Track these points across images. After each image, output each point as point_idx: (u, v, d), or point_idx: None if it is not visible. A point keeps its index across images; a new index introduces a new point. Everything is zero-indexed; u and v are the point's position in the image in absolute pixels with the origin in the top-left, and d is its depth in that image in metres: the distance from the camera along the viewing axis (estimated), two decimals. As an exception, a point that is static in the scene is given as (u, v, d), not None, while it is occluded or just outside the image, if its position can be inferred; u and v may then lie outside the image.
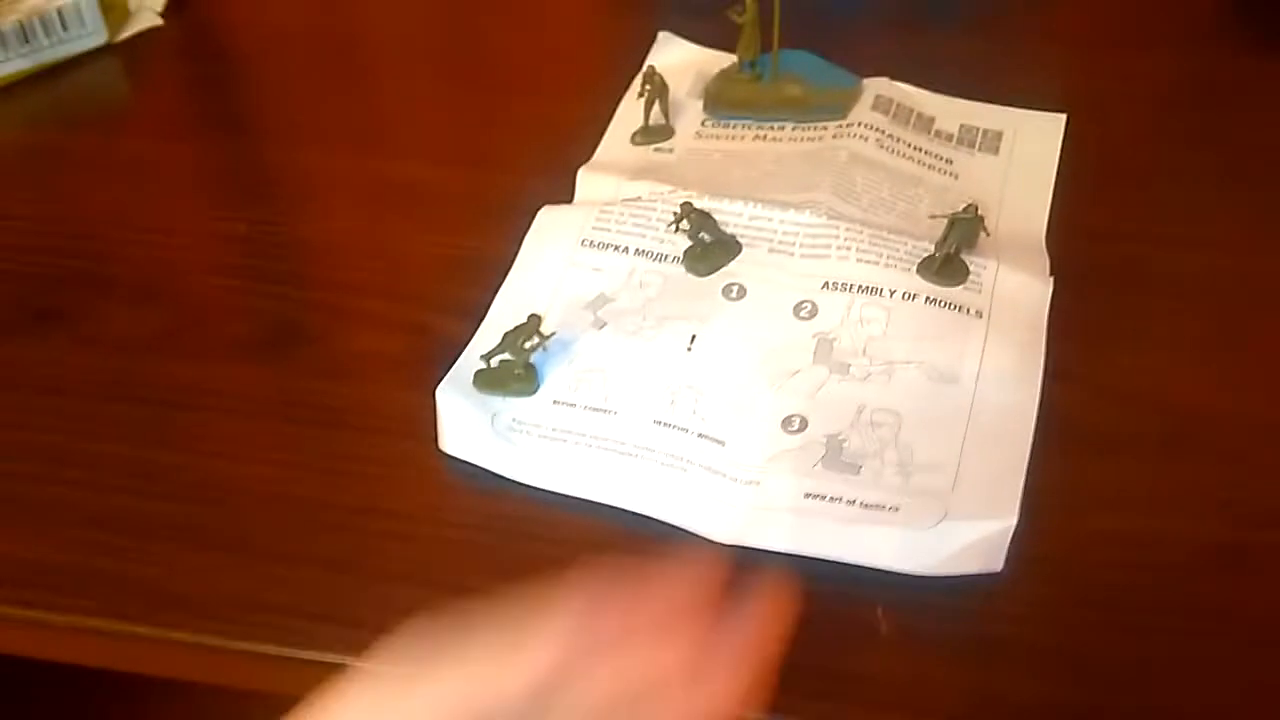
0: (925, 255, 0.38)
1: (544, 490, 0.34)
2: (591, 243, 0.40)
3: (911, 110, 0.47)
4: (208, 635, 0.31)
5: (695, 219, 0.38)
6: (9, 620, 0.32)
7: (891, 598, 0.31)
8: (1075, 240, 0.41)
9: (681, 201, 0.39)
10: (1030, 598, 0.31)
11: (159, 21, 0.55)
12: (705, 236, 0.39)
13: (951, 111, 0.47)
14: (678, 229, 0.39)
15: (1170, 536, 0.32)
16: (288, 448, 0.36)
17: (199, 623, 0.31)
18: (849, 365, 0.36)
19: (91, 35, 0.53)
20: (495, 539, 0.33)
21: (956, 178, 0.44)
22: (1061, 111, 0.46)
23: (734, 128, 0.46)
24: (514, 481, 0.34)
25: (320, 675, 0.30)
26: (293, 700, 0.26)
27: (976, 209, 0.37)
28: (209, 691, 0.39)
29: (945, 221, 0.37)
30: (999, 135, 0.46)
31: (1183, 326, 0.38)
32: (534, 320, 0.36)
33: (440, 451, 0.35)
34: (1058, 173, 0.44)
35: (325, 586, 0.32)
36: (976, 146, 0.45)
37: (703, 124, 0.47)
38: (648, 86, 0.45)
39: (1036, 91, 0.47)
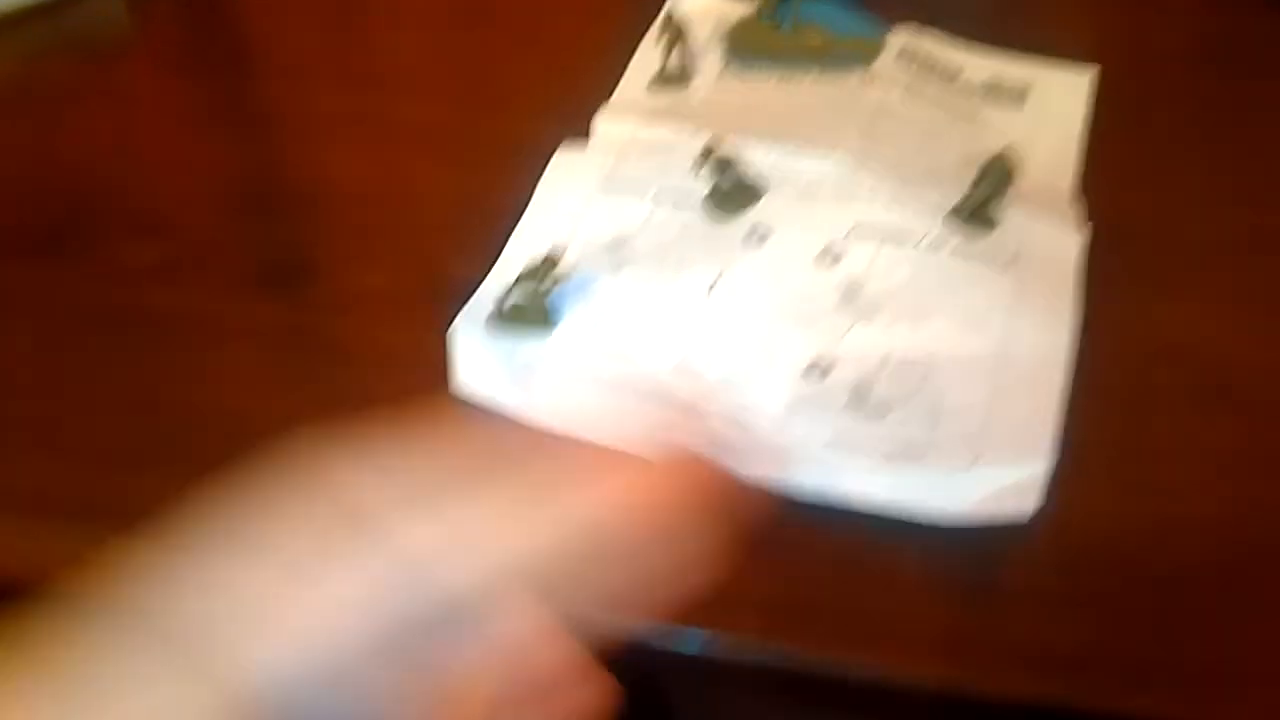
0: (954, 203, 0.37)
1: (561, 431, 0.33)
2: (610, 185, 0.39)
3: (937, 61, 0.45)
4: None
5: (719, 160, 0.37)
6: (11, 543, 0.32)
7: (916, 543, 0.30)
8: (1103, 193, 0.40)
9: (704, 143, 0.38)
10: (1057, 546, 0.30)
11: (164, -43, 0.53)
12: (728, 180, 0.38)
13: (978, 63, 0.46)
14: (700, 170, 0.38)
15: (1201, 489, 0.32)
16: (298, 383, 0.35)
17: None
18: (874, 312, 0.35)
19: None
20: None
21: (983, 129, 0.43)
22: (1091, 64, 0.45)
23: (754, 75, 0.45)
24: (530, 422, 0.33)
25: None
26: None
27: (1009, 154, 0.36)
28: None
29: (976, 169, 0.36)
30: (1026, 88, 0.45)
31: (1211, 281, 0.37)
32: (551, 260, 0.35)
33: (454, 391, 0.34)
34: (1085, 126, 0.43)
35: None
36: (1003, 99, 0.44)
37: (723, 71, 0.45)
38: (667, 31, 0.44)
39: (1063, 45, 0.46)
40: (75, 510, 0.32)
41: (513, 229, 0.39)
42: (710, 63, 0.46)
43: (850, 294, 0.35)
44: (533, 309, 0.35)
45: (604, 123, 0.43)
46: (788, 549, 0.30)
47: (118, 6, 0.52)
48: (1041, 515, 0.30)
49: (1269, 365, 0.34)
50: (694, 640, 0.29)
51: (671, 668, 0.30)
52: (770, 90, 0.44)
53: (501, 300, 0.35)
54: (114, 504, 0.32)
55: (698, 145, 0.39)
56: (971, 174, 0.37)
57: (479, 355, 0.34)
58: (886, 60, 0.45)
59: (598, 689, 0.23)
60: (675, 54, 0.45)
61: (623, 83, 0.45)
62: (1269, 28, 0.48)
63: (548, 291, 0.35)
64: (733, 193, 0.38)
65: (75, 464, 0.33)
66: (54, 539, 0.31)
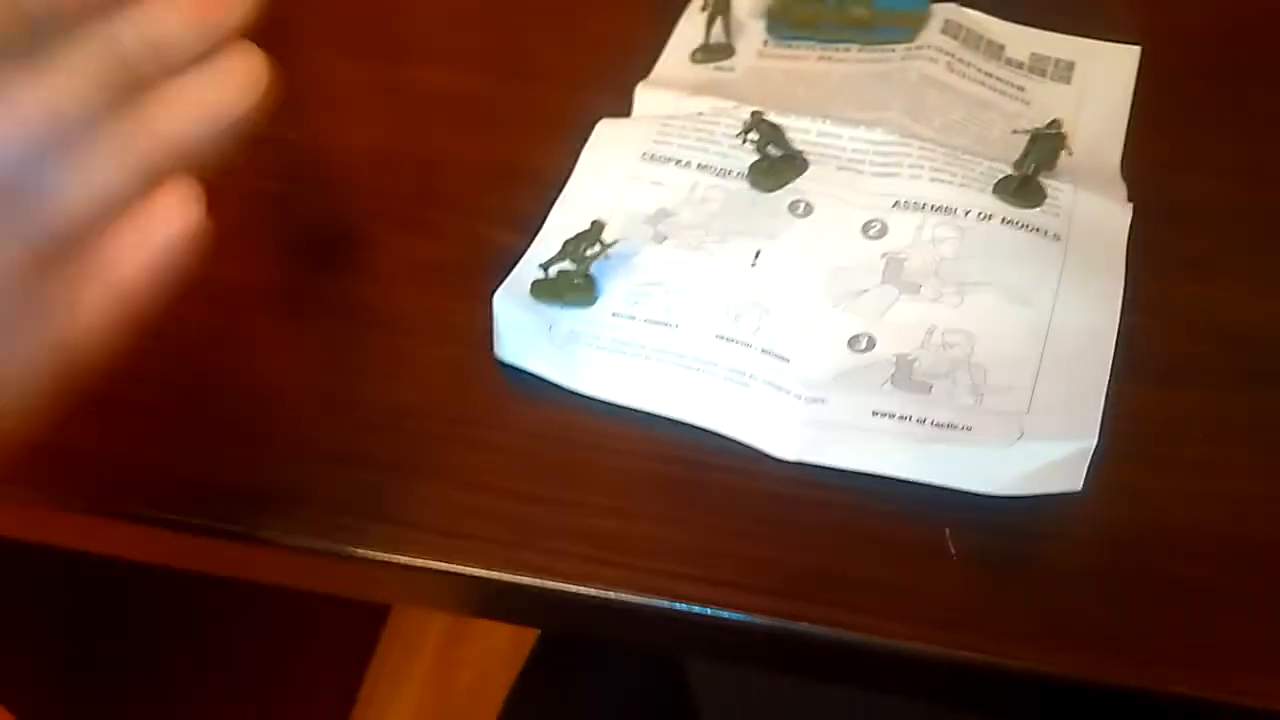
0: (1001, 176, 0.37)
1: (602, 401, 0.33)
2: (652, 156, 0.39)
3: (981, 36, 0.45)
4: (262, 529, 0.31)
5: (764, 130, 0.37)
6: (56, 511, 0.32)
7: (960, 519, 0.30)
8: (1150, 172, 0.40)
9: (751, 112, 0.38)
10: (1102, 523, 0.30)
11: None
12: (773, 150, 0.38)
13: (1021, 39, 0.45)
14: (745, 139, 0.37)
15: (1247, 468, 0.31)
16: (340, 350, 0.35)
17: (250, 517, 0.31)
18: (920, 285, 0.35)
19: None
20: (550, 447, 0.33)
21: (1029, 104, 0.42)
22: (1135, 44, 0.45)
23: (797, 48, 0.45)
24: (571, 392, 0.33)
25: (370, 573, 0.30)
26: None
27: (1060, 125, 0.36)
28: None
29: (1024, 141, 0.36)
30: (1071, 65, 0.44)
31: (1259, 260, 0.37)
32: (596, 227, 0.35)
33: (495, 359, 0.34)
34: (1131, 105, 0.42)
35: (378, 486, 0.32)
36: (1048, 75, 0.44)
37: (765, 44, 0.45)
38: (709, 3, 0.44)
39: (1108, 23, 0.46)
40: (118, 478, 0.32)
41: (555, 199, 0.39)
42: (752, 35, 0.46)
43: (895, 266, 0.35)
44: (576, 279, 0.35)
45: (646, 94, 0.42)
46: (826, 523, 0.30)
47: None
48: (1082, 491, 0.30)
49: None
50: (728, 613, 0.29)
51: (699, 641, 0.31)
52: (813, 63, 0.44)
53: (544, 269, 0.35)
54: (162, 467, 0.32)
55: (742, 117, 0.39)
56: (1019, 146, 0.37)
57: (521, 323, 0.34)
58: (930, 33, 0.44)
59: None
60: (718, 26, 0.44)
61: (664, 55, 0.45)
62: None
63: (591, 261, 0.35)
64: (777, 164, 0.38)
65: (122, 426, 0.34)
66: (98, 501, 0.32)
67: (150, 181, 0.24)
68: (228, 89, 0.26)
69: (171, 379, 0.35)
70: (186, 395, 0.34)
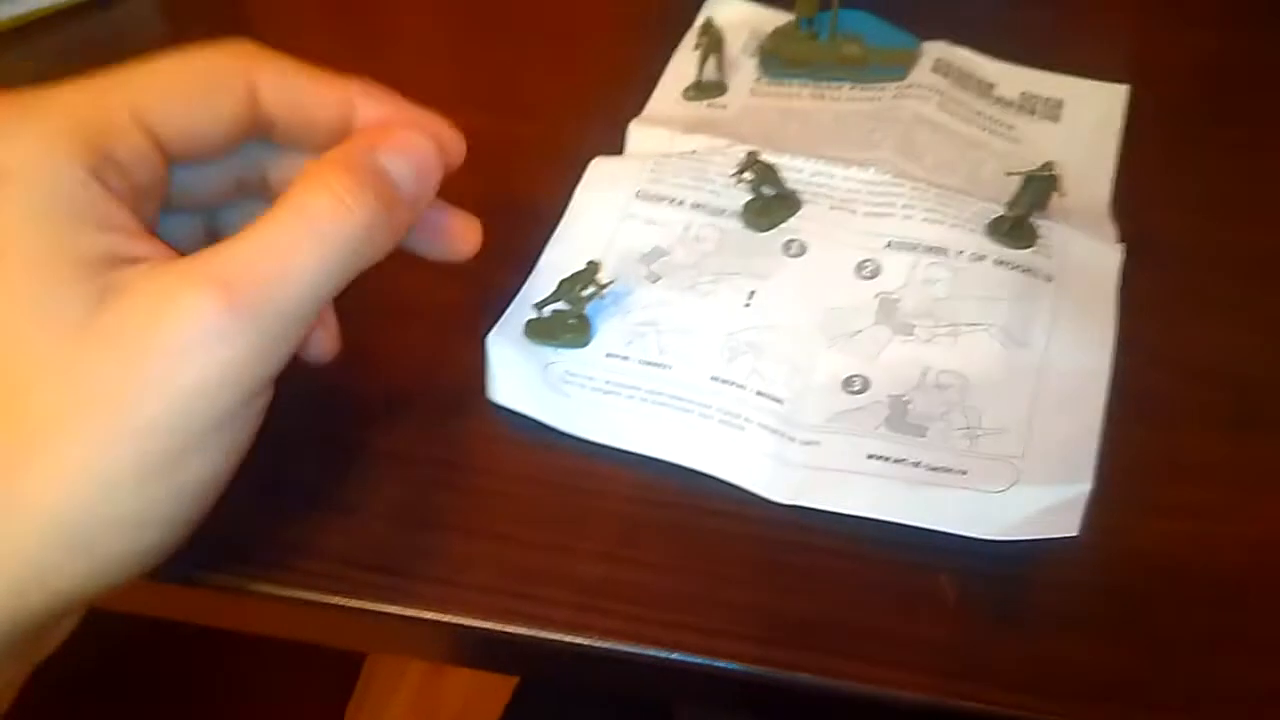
0: (994, 216, 0.37)
1: (596, 444, 0.33)
2: (646, 195, 0.39)
3: (971, 75, 0.45)
4: (254, 581, 0.30)
5: (759, 170, 0.37)
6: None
7: (956, 564, 0.30)
8: (1139, 211, 0.40)
9: (746, 152, 0.38)
10: (1096, 568, 0.30)
11: (198, -40, 0.54)
12: (767, 190, 0.38)
13: (1011, 78, 0.46)
14: (740, 179, 0.38)
15: (1241, 512, 0.31)
16: (330, 391, 0.35)
17: (246, 568, 0.31)
18: (913, 326, 0.35)
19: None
20: (545, 491, 0.32)
21: (1019, 143, 0.42)
22: (1122, 83, 0.45)
23: (790, 86, 0.45)
24: (565, 434, 0.33)
25: (367, 626, 0.30)
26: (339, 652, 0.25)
27: (1053, 167, 0.36)
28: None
29: (1016, 182, 0.36)
30: (1060, 103, 0.45)
31: (1250, 301, 0.37)
32: (592, 267, 0.34)
33: (489, 401, 0.34)
34: (1120, 143, 0.43)
35: (371, 534, 0.31)
36: (1037, 114, 0.44)
37: (757, 81, 0.45)
38: (703, 39, 0.44)
39: (1096, 62, 0.46)
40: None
41: (549, 236, 0.39)
42: (745, 72, 0.46)
43: (888, 307, 0.35)
44: (570, 319, 0.35)
45: (639, 131, 0.43)
46: (821, 568, 0.30)
47: (150, 9, 0.52)
48: (1078, 537, 0.30)
49: (1310, 386, 0.34)
50: (723, 662, 0.29)
51: (692, 690, 0.30)
52: (806, 100, 0.44)
53: (538, 309, 0.35)
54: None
55: (735, 155, 0.39)
56: (1010, 186, 0.37)
57: (515, 365, 0.34)
58: (922, 71, 0.44)
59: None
60: (711, 63, 0.45)
61: (657, 91, 0.45)
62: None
63: (585, 301, 0.35)
64: (771, 204, 0.38)
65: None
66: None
67: None
68: None
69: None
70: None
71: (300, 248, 0.25)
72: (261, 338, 0.24)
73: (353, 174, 0.26)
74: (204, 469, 0.24)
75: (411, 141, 0.29)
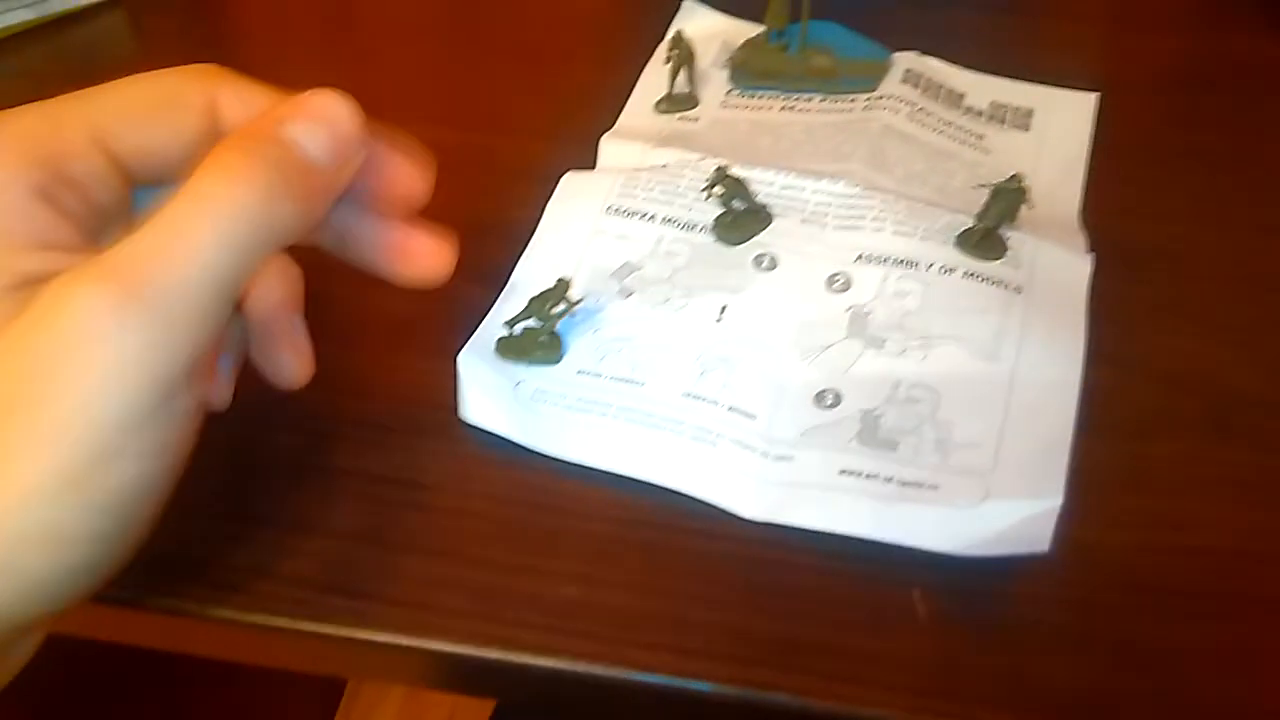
0: (963, 228, 0.37)
1: (569, 462, 0.33)
2: (618, 209, 0.39)
3: (941, 85, 0.46)
4: (220, 607, 0.30)
5: (729, 184, 0.37)
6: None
7: (928, 579, 0.30)
8: (1109, 220, 0.40)
9: (715, 167, 0.38)
10: (1069, 581, 0.30)
11: (166, -24, 0.53)
12: (737, 204, 0.38)
13: (981, 87, 0.46)
14: (710, 194, 0.37)
15: (1213, 523, 0.31)
16: (301, 413, 0.35)
17: (209, 593, 0.30)
18: (884, 340, 0.35)
19: (97, -12, 0.51)
20: (515, 511, 0.32)
21: (989, 153, 0.43)
22: (1092, 91, 0.46)
23: (761, 98, 0.45)
24: (537, 453, 0.33)
25: (336, 651, 0.30)
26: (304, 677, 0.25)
27: (1020, 180, 0.36)
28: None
29: (986, 193, 0.36)
30: (1029, 112, 0.45)
31: (1220, 308, 0.37)
32: (562, 285, 0.34)
33: (460, 420, 0.34)
34: (1090, 152, 0.43)
35: (340, 557, 0.31)
36: (1007, 123, 0.44)
37: (728, 94, 0.45)
38: (674, 52, 0.44)
39: (1066, 70, 0.46)
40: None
41: (521, 252, 0.39)
42: (716, 84, 0.46)
43: (859, 320, 0.35)
44: (541, 336, 0.35)
45: (610, 146, 0.42)
46: (795, 586, 0.30)
47: (121, 26, 0.52)
48: (1052, 550, 0.30)
49: (1273, 395, 0.34)
50: (698, 684, 0.28)
51: (668, 712, 0.30)
52: (777, 113, 0.44)
53: (509, 327, 0.35)
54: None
55: (706, 169, 0.39)
56: (980, 197, 0.37)
57: (486, 383, 0.34)
58: (892, 83, 0.45)
59: None
60: (682, 76, 0.45)
61: (629, 105, 0.45)
62: (1275, 51, 0.48)
63: (556, 318, 0.35)
64: (742, 218, 0.38)
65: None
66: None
67: None
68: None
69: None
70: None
71: (193, 230, 0.23)
72: (160, 328, 0.22)
73: (249, 149, 0.25)
74: (126, 477, 0.23)
75: (323, 107, 0.27)
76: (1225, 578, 0.30)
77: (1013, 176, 0.36)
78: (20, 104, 0.29)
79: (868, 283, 0.36)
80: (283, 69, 0.51)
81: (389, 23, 0.52)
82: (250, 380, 0.35)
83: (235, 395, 0.35)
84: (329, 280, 0.39)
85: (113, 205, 0.27)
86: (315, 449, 0.34)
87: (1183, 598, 0.30)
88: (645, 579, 0.30)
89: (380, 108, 0.48)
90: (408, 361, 0.36)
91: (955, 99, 0.45)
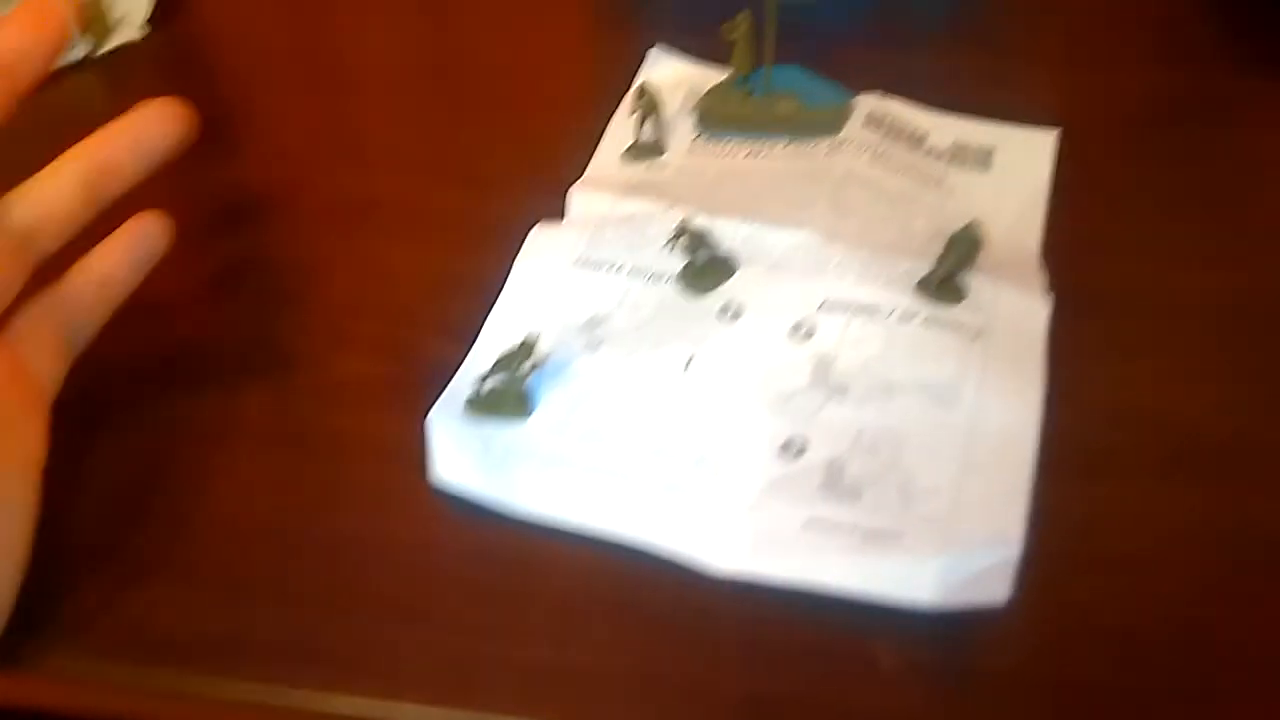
0: (923, 274, 0.38)
1: (538, 519, 0.33)
2: (585, 262, 0.40)
3: (903, 127, 0.46)
4: (187, 676, 0.30)
5: (692, 237, 0.38)
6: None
7: (892, 629, 0.30)
8: (1068, 258, 0.41)
9: (678, 219, 0.38)
10: (1031, 628, 0.30)
11: (140, 35, 0.54)
12: (702, 255, 0.38)
13: (943, 127, 0.47)
14: (674, 247, 0.38)
15: (1172, 563, 0.32)
16: (270, 476, 0.35)
17: (180, 665, 0.30)
18: (848, 387, 0.35)
19: (72, 48, 0.52)
20: (487, 571, 0.32)
21: (950, 195, 0.43)
22: (1054, 127, 0.46)
23: (727, 144, 0.46)
24: (508, 511, 0.33)
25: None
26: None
27: (976, 227, 0.37)
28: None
29: (944, 238, 0.37)
30: (991, 151, 0.46)
31: (1178, 346, 0.38)
32: (529, 343, 0.35)
33: (429, 478, 0.34)
34: (1050, 189, 0.44)
35: (308, 623, 0.31)
36: (969, 163, 0.45)
37: (695, 140, 0.46)
38: (640, 102, 0.45)
39: (1027, 108, 0.47)
40: (42, 626, 0.32)
41: (492, 306, 0.39)
42: (683, 132, 0.47)
43: (822, 369, 0.36)
44: (509, 394, 0.35)
45: (580, 196, 0.43)
46: (764, 639, 0.30)
47: (95, 87, 0.52)
48: (1014, 596, 0.30)
49: (1237, 433, 0.35)
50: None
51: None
52: (742, 160, 0.45)
53: (478, 385, 0.35)
54: (88, 613, 0.32)
55: (672, 220, 0.39)
56: (940, 242, 0.37)
57: (456, 442, 0.34)
58: (854, 126, 0.45)
59: None
60: (649, 125, 0.45)
61: (597, 154, 0.46)
62: (1232, 87, 0.49)
63: (525, 375, 0.35)
64: (706, 269, 0.39)
65: (47, 570, 0.33)
66: (19, 652, 0.31)
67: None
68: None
69: (88, 515, 0.34)
70: (105, 529, 0.34)
71: None
72: None
73: None
74: None
75: None
76: (1184, 621, 0.31)
77: (968, 224, 0.37)
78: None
79: (830, 331, 0.37)
80: (255, 125, 0.52)
81: (360, 77, 0.52)
82: (207, 442, 0.36)
83: (190, 458, 0.35)
84: (298, 340, 0.40)
85: None
86: (280, 510, 0.34)
87: (1143, 642, 0.30)
88: (615, 638, 0.31)
89: (352, 162, 0.49)
90: (376, 420, 0.36)
91: (917, 140, 0.46)
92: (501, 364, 0.35)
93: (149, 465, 0.36)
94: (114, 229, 0.37)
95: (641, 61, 0.50)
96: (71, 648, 0.31)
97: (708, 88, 0.47)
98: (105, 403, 0.38)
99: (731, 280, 0.39)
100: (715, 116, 0.46)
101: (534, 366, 0.35)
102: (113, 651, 0.31)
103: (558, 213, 0.43)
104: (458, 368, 0.37)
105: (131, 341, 0.40)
